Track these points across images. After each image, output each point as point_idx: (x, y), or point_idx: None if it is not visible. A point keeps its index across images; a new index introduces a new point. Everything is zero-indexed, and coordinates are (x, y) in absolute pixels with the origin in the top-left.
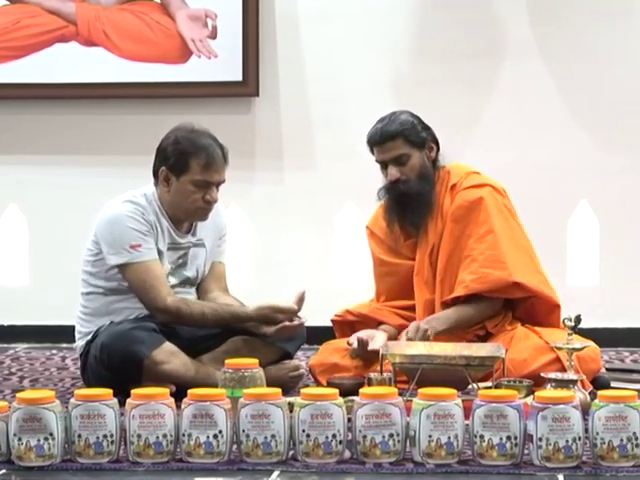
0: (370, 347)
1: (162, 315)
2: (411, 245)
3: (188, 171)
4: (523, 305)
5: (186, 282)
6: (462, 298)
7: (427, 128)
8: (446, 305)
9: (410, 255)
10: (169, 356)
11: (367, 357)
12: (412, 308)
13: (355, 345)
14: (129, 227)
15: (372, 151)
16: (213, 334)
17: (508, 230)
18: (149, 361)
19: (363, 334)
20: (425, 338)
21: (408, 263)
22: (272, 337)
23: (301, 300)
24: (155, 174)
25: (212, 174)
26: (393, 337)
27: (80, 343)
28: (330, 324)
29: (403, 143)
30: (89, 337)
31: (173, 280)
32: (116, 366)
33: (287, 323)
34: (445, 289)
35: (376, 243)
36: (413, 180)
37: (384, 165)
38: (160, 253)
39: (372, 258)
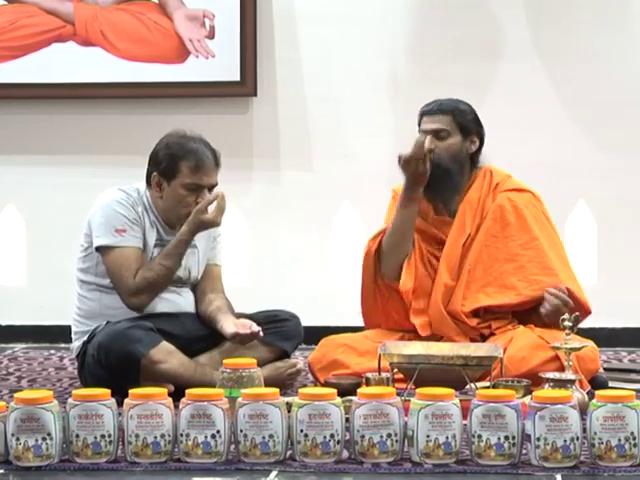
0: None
1: (135, 297)
2: (439, 221)
3: (178, 175)
4: None
5: (177, 281)
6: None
7: (479, 124)
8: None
9: (434, 227)
10: (166, 355)
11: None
12: None
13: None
14: (117, 211)
15: (419, 123)
16: (210, 334)
17: (549, 238)
18: (146, 360)
19: None
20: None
21: (432, 229)
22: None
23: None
24: (148, 180)
25: (202, 177)
26: None
27: (77, 344)
28: (327, 324)
29: (451, 121)
30: (85, 337)
31: None
32: (113, 365)
33: (241, 331)
34: (472, 278)
35: None
36: (444, 157)
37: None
38: (147, 244)
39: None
